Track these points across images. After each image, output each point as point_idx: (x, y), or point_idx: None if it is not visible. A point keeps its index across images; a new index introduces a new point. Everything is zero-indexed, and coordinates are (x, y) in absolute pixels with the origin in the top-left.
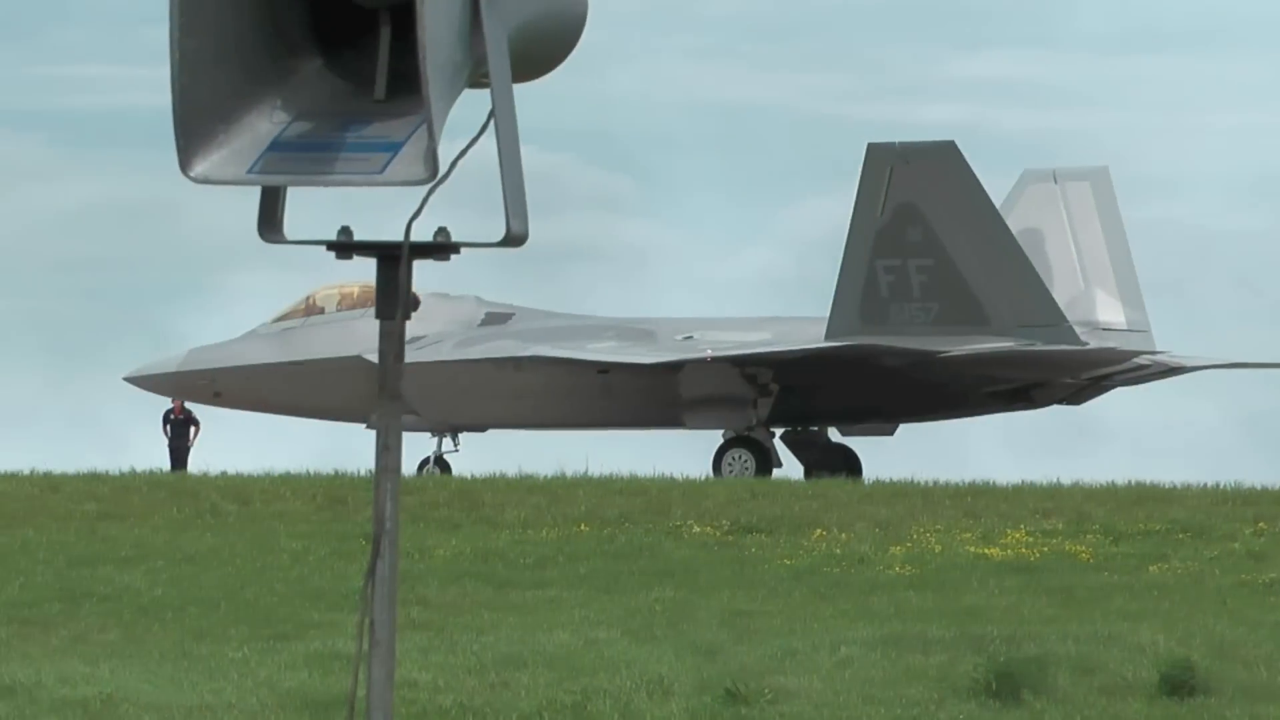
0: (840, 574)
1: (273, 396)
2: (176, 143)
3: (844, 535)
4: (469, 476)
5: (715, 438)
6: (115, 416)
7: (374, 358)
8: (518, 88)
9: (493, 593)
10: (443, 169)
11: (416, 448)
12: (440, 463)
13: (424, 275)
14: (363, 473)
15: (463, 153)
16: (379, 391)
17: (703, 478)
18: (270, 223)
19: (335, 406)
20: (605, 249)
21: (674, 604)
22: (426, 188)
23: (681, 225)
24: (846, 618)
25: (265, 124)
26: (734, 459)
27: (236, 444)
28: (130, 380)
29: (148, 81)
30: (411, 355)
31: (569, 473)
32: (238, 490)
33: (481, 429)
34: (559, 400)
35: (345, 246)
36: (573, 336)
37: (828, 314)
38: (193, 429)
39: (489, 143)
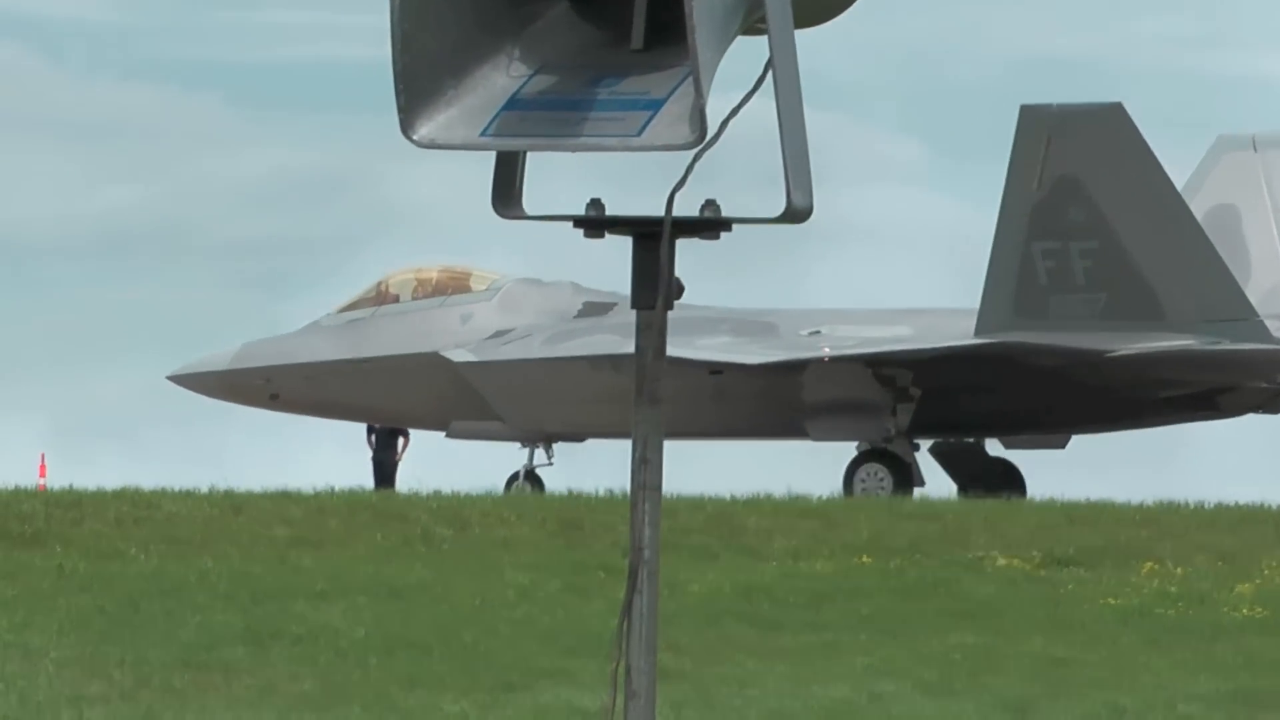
0: (1176, 616)
1: (336, 399)
2: (397, 101)
3: (1179, 570)
4: (728, 498)
5: (847, 451)
6: (224, 432)
7: (453, 355)
8: (798, 35)
9: (757, 637)
10: (711, 130)
11: (504, 460)
12: (531, 477)
13: (512, 259)
14: (600, 492)
15: (735, 111)
16: (636, 395)
17: (1006, 500)
18: (506, 195)
19: (408, 412)
20: (882, 226)
21: (976, 651)
22: (692, 153)
23: (977, 198)
24: (1184, 669)
25: (502, 78)
26: (868, 475)
27: (447, 458)
28: (175, 380)
29: (355, 30)
30: (493, 351)
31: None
32: (454, 512)
33: (578, 438)
34: (665, 405)
35: (596, 223)
36: (682, 331)
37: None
38: (400, 440)
39: (760, 101)
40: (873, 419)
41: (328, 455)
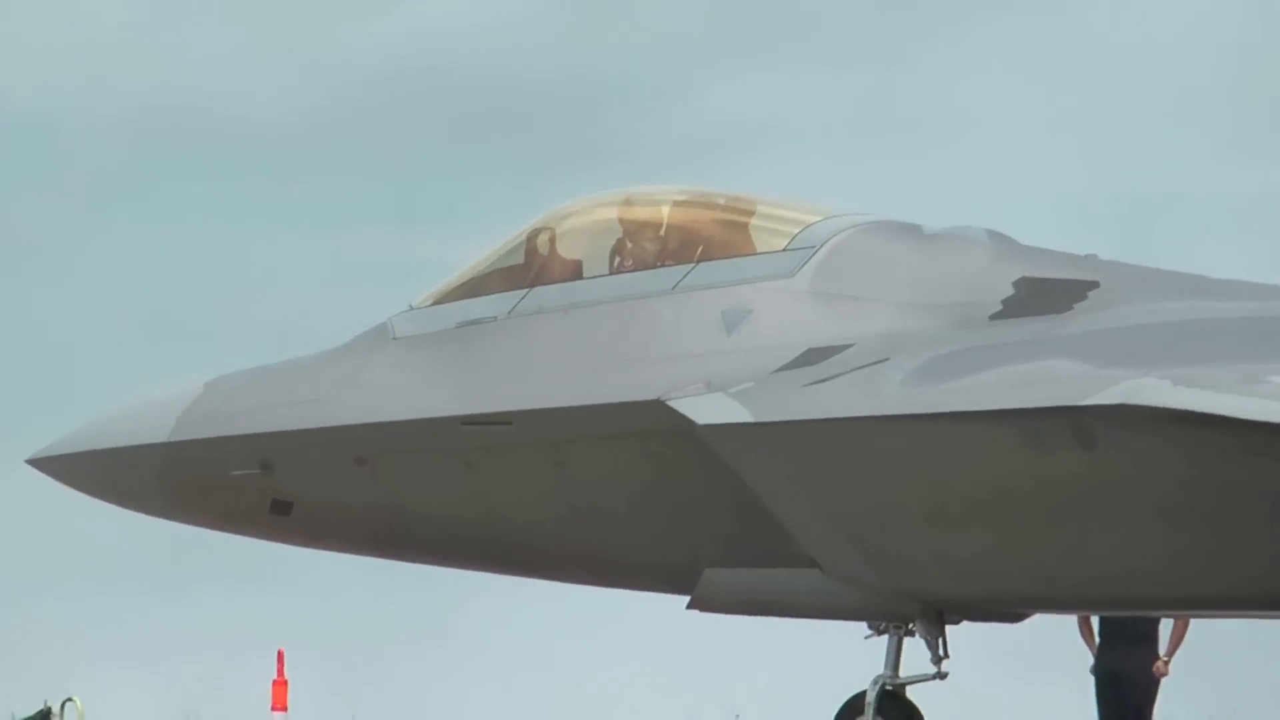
0: None
1: (420, 512)
2: None
3: None
4: None
5: None
6: None
7: (698, 409)
8: None
9: None
10: None
11: (826, 662)
12: (896, 706)
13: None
14: None
15: None
16: None
17: None
18: None
19: (590, 549)
20: None
21: None
22: None
23: None
24: None
25: None
26: None
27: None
28: (39, 465)
29: None
30: (795, 400)
31: None
32: None
33: (1009, 611)
34: (1208, 527)
35: None
36: (1254, 346)
37: None
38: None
39: None
40: None
41: None
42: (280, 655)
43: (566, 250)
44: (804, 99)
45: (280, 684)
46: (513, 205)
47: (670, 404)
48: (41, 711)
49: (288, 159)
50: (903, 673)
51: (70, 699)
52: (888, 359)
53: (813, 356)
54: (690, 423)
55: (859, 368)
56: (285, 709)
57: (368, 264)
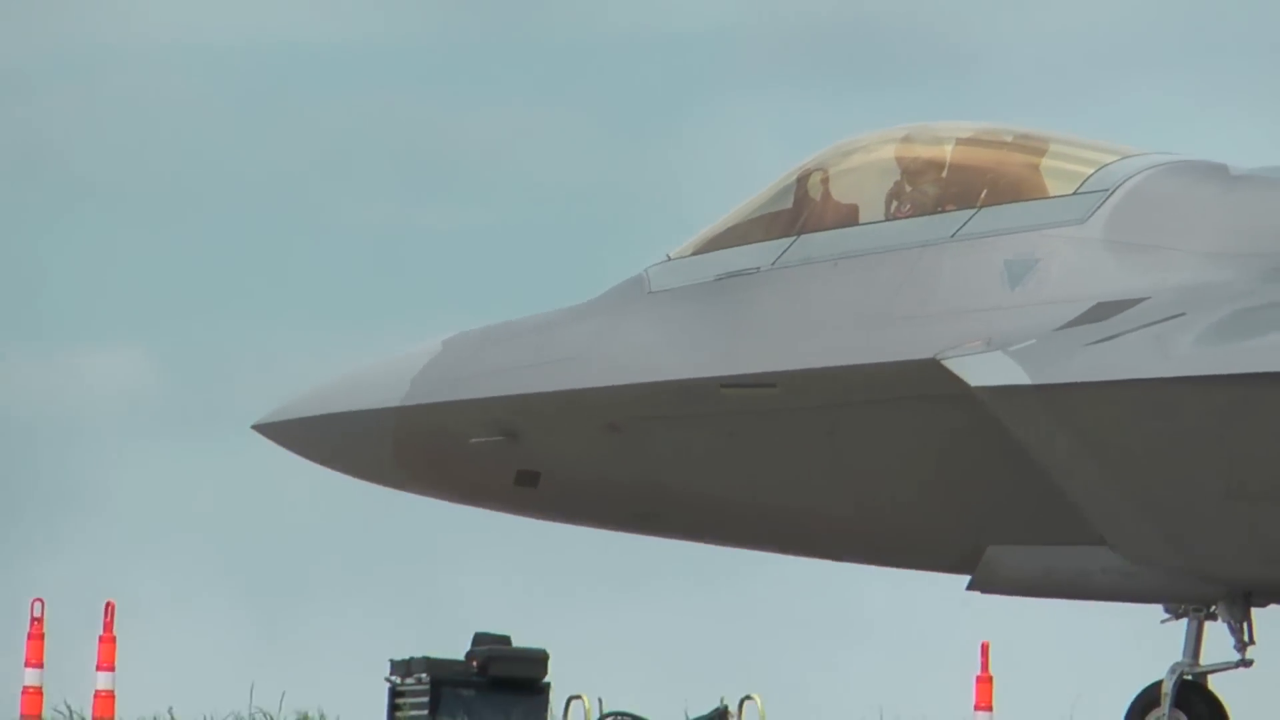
0: None
1: (686, 484)
2: None
3: None
4: None
5: None
6: None
7: (973, 369)
8: None
9: None
10: None
11: (1113, 642)
12: (1194, 698)
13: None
14: None
15: None
16: None
17: None
18: None
19: (866, 524)
20: None
21: None
22: None
23: None
24: None
25: None
26: None
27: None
28: (265, 430)
29: None
30: (1087, 359)
31: None
32: None
33: None
34: None
35: None
36: None
37: None
38: None
39: None
40: None
41: None
42: (985, 648)
43: (839, 194)
44: None
45: (984, 680)
46: None
47: (944, 364)
48: (718, 710)
49: None
50: (1204, 660)
51: (750, 697)
52: (1184, 314)
53: (1102, 311)
54: (965, 383)
55: (1152, 324)
56: (990, 708)
57: None
